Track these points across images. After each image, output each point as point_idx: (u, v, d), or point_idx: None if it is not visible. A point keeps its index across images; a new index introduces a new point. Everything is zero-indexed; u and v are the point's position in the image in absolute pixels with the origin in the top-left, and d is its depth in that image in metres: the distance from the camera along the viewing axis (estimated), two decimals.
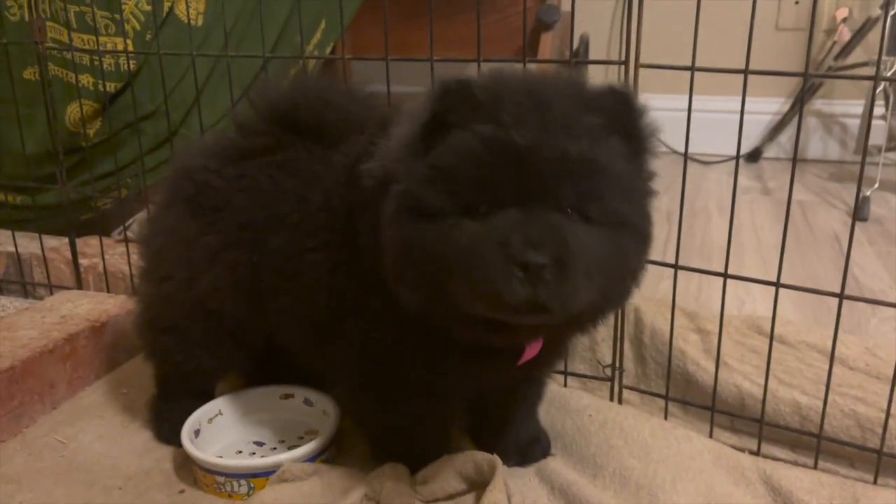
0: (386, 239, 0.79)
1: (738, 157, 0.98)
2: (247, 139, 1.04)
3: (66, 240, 1.56)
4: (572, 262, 0.71)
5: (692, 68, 0.98)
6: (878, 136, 2.42)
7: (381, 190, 0.81)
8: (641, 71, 1.02)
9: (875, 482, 0.98)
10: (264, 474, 0.97)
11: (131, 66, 1.51)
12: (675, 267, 1.08)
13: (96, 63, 1.48)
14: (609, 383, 1.17)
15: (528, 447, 1.04)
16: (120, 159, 1.54)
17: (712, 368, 1.09)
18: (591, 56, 2.57)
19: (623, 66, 1.01)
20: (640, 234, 0.79)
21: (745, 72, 0.95)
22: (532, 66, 1.16)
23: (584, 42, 2.49)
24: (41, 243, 1.57)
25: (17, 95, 1.51)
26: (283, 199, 0.97)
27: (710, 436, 1.08)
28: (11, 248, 1.59)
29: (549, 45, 2.25)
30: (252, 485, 0.97)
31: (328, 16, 1.83)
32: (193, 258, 1.02)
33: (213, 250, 1.01)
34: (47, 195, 1.65)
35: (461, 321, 0.78)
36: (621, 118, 0.78)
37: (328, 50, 1.87)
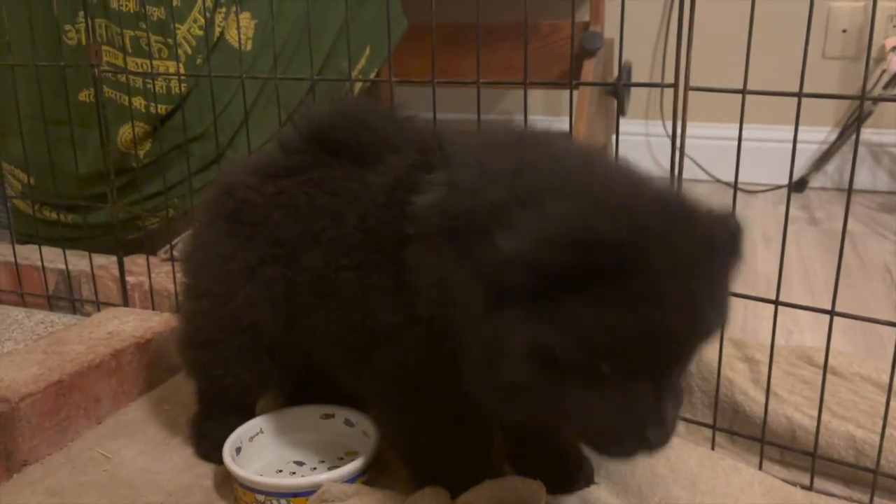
0: (494, 375, 0.73)
1: (790, 182, 0.96)
2: (287, 157, 1.05)
3: (115, 258, 1.60)
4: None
5: (743, 91, 0.97)
6: None
7: (447, 233, 0.78)
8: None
9: None
10: (304, 494, 0.96)
11: (182, 89, 1.55)
12: None
13: (149, 86, 1.52)
14: None
15: (570, 474, 1.02)
16: (168, 180, 1.58)
17: (761, 398, 1.06)
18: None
19: (673, 90, 1.00)
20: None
21: (799, 95, 0.93)
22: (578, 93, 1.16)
23: (627, 69, 2.49)
24: (90, 261, 1.60)
25: (72, 117, 1.56)
26: (318, 216, 0.98)
27: (760, 468, 1.05)
28: (61, 266, 1.63)
29: (591, 71, 2.25)
30: None
31: (372, 43, 1.86)
32: (231, 273, 1.03)
33: (249, 266, 1.02)
34: (97, 214, 1.69)
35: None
36: (737, 252, 0.75)
37: (372, 75, 1.90)
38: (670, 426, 0.71)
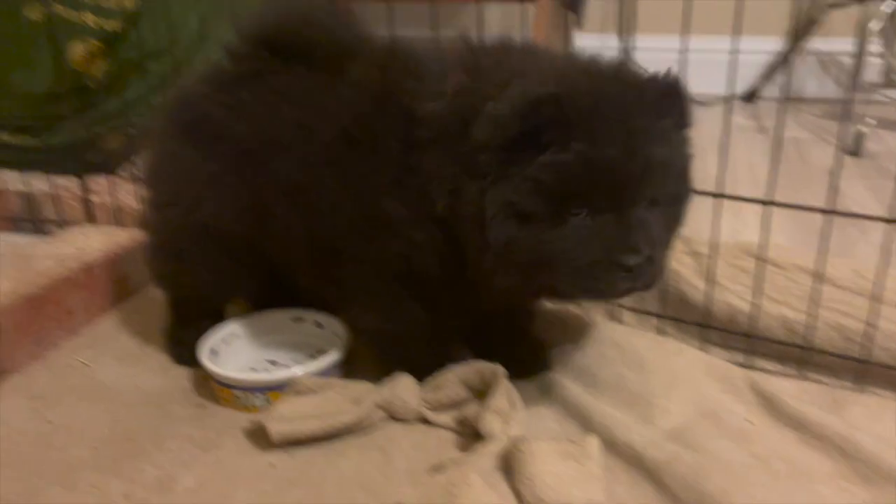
0: (488, 238, 0.84)
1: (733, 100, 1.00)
2: (235, 64, 1.06)
3: (75, 178, 1.59)
4: (660, 253, 0.86)
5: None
6: (875, 74, 2.43)
7: (455, 131, 0.86)
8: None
9: (856, 388, 1.03)
10: (280, 388, 1.02)
11: (132, 4, 1.52)
12: None
13: (99, 1, 1.49)
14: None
15: (528, 363, 1.08)
16: (126, 99, 1.57)
17: (705, 288, 1.14)
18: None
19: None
20: (687, 203, 0.94)
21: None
22: None
23: None
24: (51, 182, 1.59)
25: (20, 34, 1.53)
26: (283, 126, 1.00)
27: (702, 350, 1.13)
28: (21, 187, 1.62)
29: None
30: (268, 397, 1.02)
31: None
32: (195, 183, 1.05)
33: (213, 175, 1.04)
34: (55, 135, 1.68)
35: (539, 296, 0.96)
36: (680, 112, 0.88)
37: None
38: (645, 252, 0.82)
